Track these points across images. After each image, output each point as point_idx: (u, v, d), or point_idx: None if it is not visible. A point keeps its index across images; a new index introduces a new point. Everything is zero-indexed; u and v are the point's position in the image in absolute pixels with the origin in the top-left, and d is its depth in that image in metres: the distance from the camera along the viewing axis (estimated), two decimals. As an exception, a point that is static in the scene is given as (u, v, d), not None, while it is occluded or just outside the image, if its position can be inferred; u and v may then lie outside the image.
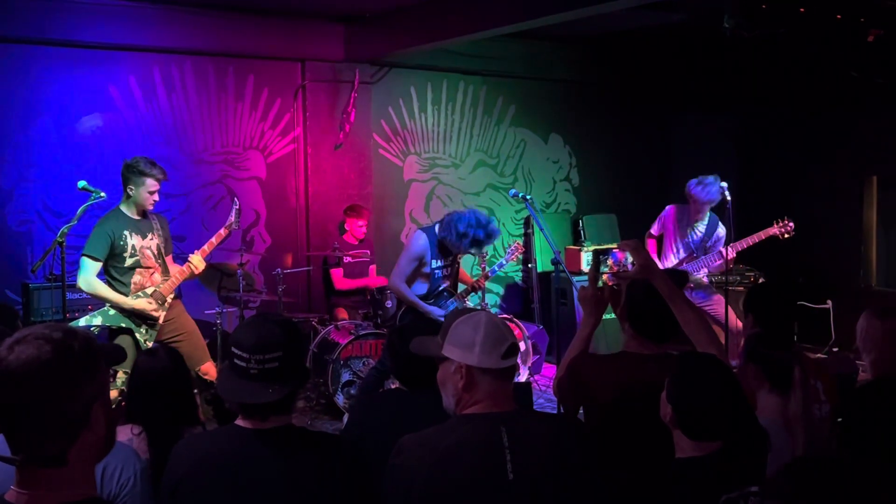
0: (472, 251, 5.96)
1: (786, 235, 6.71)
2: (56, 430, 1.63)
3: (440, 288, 6.07)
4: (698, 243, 6.97)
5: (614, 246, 8.30)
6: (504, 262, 6.62)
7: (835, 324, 8.25)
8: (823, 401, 3.39)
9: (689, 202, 6.94)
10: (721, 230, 7.01)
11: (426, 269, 5.91)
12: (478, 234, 5.71)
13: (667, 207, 7.17)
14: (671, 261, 6.99)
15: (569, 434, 2.39)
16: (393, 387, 6.70)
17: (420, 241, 5.87)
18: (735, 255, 6.63)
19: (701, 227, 6.97)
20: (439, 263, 5.95)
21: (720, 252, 6.73)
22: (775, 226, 6.73)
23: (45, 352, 1.60)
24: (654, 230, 7.26)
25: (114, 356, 1.86)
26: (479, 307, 7.26)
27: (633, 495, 2.59)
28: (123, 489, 2.50)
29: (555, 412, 6.43)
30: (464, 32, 6.98)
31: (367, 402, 4.03)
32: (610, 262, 8.23)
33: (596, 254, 8.35)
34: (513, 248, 6.65)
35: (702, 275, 6.97)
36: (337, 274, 7.51)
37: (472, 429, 2.33)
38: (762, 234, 6.72)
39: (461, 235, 5.69)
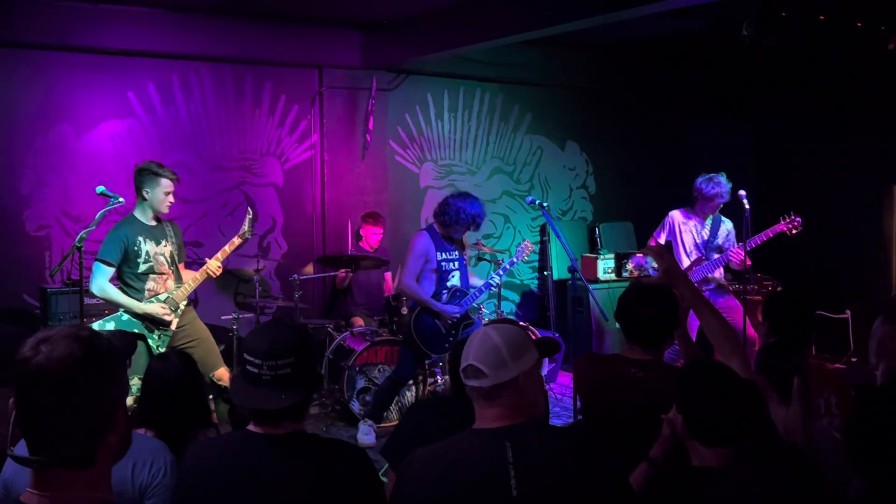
0: (469, 226, 6.02)
1: (793, 231, 6.64)
2: (87, 429, 1.62)
3: (450, 283, 6.11)
4: (706, 244, 6.93)
5: (637, 253, 8.28)
6: (515, 261, 6.54)
7: (853, 334, 8.17)
8: (835, 414, 3.36)
9: (697, 201, 6.90)
10: (727, 224, 6.97)
11: (433, 265, 6.04)
12: (462, 204, 5.93)
13: (670, 213, 7.11)
14: (683, 265, 6.94)
15: (582, 449, 2.30)
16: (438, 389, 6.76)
17: (421, 238, 6.08)
18: (748, 251, 6.58)
19: (707, 228, 6.94)
20: (445, 256, 6.08)
21: (733, 251, 6.69)
22: (782, 222, 6.67)
23: (75, 350, 1.60)
24: (658, 236, 7.19)
25: (125, 348, 1.86)
26: (494, 315, 7.26)
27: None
28: (155, 479, 2.51)
29: (570, 421, 6.42)
30: (481, 40, 6.97)
31: (421, 407, 4.05)
32: (630, 265, 8.19)
33: (618, 258, 8.31)
34: (522, 246, 6.56)
35: (718, 274, 6.93)
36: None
37: (477, 443, 2.28)
38: (769, 232, 6.66)
39: (457, 210, 5.91)
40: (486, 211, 6.10)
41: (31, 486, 1.64)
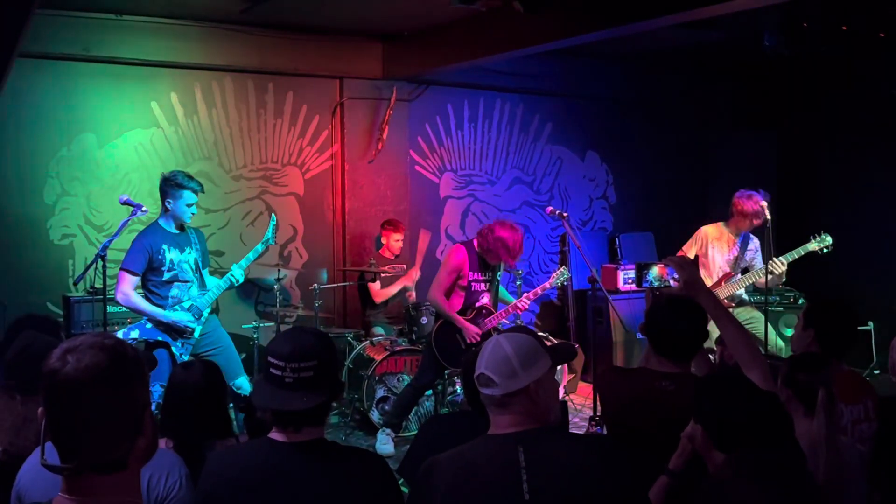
0: (510, 260, 5.95)
1: (824, 250, 6.57)
2: (117, 435, 1.65)
3: (478, 303, 6.08)
4: (735, 261, 6.89)
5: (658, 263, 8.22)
6: (547, 286, 6.43)
7: (876, 346, 8.10)
8: (873, 419, 3.34)
9: (733, 216, 6.84)
10: (754, 242, 6.92)
11: (463, 282, 5.98)
12: (506, 239, 5.79)
13: (701, 228, 7.07)
14: (712, 281, 6.90)
15: (598, 456, 2.32)
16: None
17: (457, 253, 6.00)
18: (784, 268, 6.51)
19: (738, 245, 6.89)
20: (477, 276, 6.01)
21: (761, 269, 6.62)
22: (812, 241, 6.61)
23: (101, 359, 1.63)
24: (689, 251, 7.13)
25: (148, 363, 1.88)
26: (514, 323, 7.25)
27: None
28: (171, 492, 2.52)
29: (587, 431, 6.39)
30: (501, 50, 6.98)
31: (437, 422, 4.06)
32: (651, 276, 8.13)
33: (639, 268, 8.25)
34: (557, 272, 6.46)
35: (741, 292, 6.88)
36: (374, 288, 7.50)
37: (491, 448, 2.31)
38: (800, 251, 6.60)
39: (496, 240, 5.74)
40: (524, 245, 5.98)
41: (63, 490, 1.67)
